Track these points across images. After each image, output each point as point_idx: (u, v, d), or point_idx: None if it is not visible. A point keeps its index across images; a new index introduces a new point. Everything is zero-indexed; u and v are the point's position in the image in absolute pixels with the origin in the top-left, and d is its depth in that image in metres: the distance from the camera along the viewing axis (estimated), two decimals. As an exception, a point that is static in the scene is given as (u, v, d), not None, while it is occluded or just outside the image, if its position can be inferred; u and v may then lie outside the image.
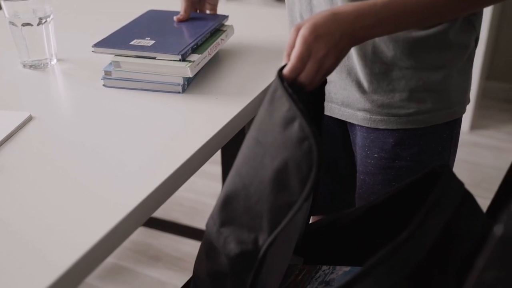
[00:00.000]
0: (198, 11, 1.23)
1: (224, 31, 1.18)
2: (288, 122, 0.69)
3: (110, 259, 1.86)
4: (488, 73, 2.78)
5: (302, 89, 0.79)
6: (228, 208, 0.73)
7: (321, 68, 0.78)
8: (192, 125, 0.93)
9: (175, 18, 1.17)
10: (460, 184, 0.74)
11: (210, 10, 1.22)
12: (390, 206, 0.86)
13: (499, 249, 0.42)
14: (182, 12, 1.17)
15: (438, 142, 0.98)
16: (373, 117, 0.97)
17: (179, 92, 1.03)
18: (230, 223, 0.73)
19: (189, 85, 1.05)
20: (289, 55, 0.78)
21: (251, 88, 1.05)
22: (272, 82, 0.76)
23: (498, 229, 0.42)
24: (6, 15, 1.09)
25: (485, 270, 0.44)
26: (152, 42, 1.06)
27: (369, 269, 0.63)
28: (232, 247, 0.72)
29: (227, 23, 1.22)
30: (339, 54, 0.78)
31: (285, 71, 0.77)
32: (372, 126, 0.98)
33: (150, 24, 1.17)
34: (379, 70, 0.94)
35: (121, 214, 0.72)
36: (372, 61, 0.94)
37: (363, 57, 0.94)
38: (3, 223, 0.71)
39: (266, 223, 0.70)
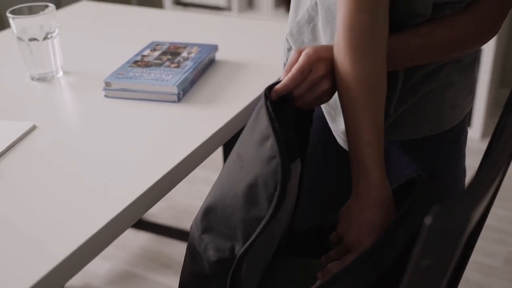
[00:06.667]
0: None
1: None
2: (264, 139, 0.72)
3: (122, 266, 1.91)
4: (500, 81, 2.78)
5: (291, 107, 0.80)
6: (209, 217, 0.78)
7: (316, 88, 0.80)
8: (187, 129, 0.99)
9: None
10: (433, 192, 0.77)
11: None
12: None
13: (429, 239, 0.46)
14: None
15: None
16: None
17: (175, 101, 1.08)
18: (210, 231, 0.78)
19: (184, 94, 1.11)
20: (288, 72, 0.80)
21: (245, 96, 1.10)
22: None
23: (428, 220, 0.45)
24: (15, 31, 1.15)
25: (420, 259, 0.47)
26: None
27: (338, 276, 0.67)
28: (211, 254, 0.77)
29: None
30: (334, 82, 0.80)
31: (285, 80, 0.79)
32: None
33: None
34: None
35: (119, 207, 0.79)
36: None
37: None
38: (5, 220, 0.77)
39: (240, 233, 0.73)
